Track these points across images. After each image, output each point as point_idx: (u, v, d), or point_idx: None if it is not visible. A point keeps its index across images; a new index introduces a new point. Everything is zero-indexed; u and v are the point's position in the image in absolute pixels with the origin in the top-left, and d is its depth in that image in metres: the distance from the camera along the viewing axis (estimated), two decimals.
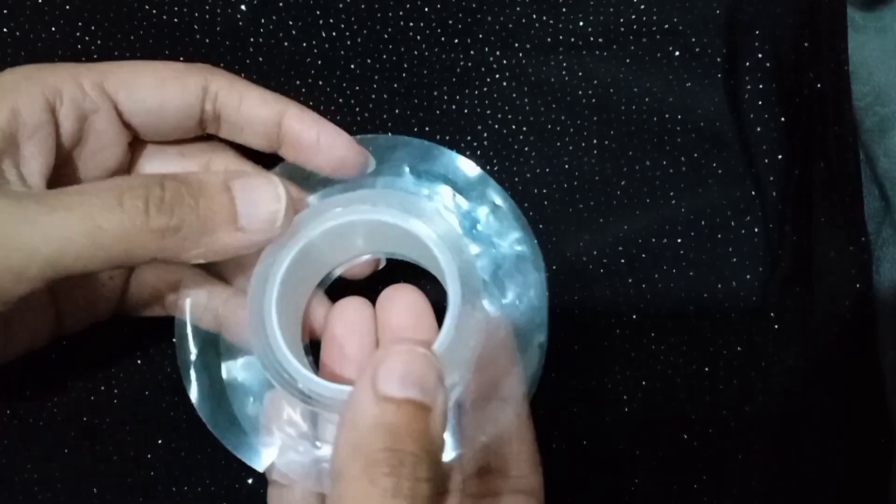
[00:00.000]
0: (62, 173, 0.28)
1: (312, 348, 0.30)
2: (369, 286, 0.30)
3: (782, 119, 0.33)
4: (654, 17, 0.34)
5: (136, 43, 0.34)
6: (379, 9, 0.35)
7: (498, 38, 0.35)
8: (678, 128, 0.33)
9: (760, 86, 0.33)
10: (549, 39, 0.35)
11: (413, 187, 0.31)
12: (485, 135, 0.35)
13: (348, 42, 0.35)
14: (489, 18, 0.35)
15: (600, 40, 0.34)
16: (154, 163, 0.30)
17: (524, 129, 0.34)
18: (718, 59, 0.33)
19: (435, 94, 0.35)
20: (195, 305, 0.29)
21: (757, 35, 0.34)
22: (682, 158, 0.33)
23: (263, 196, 0.26)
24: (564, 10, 0.34)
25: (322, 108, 0.35)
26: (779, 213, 0.33)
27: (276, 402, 0.27)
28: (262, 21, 0.34)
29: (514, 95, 0.35)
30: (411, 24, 0.35)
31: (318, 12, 0.35)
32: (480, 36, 0.35)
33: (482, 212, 0.30)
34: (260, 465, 0.27)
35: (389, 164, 0.31)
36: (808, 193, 0.34)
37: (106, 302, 0.30)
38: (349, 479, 0.22)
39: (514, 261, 0.30)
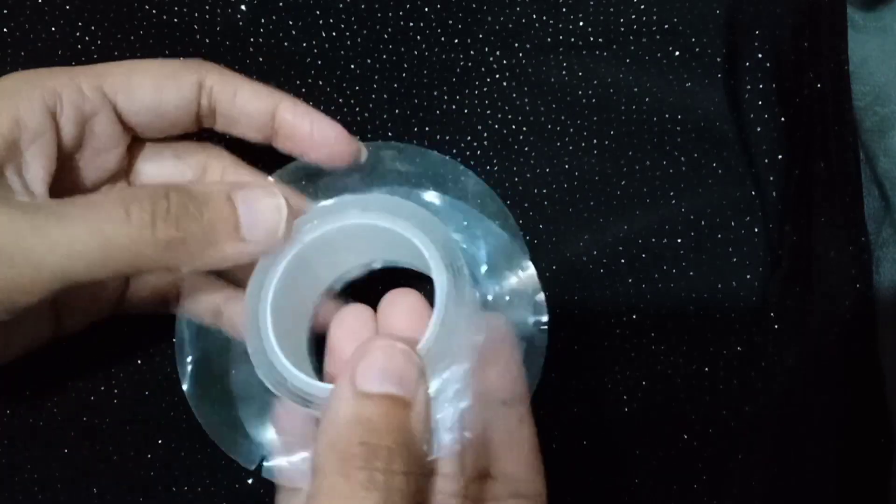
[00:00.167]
0: (63, 177, 0.28)
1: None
2: (375, 291, 0.30)
3: (782, 119, 0.33)
4: (654, 17, 0.34)
5: (136, 43, 0.34)
6: (379, 9, 0.35)
7: (498, 38, 0.35)
8: (678, 128, 0.33)
9: (760, 86, 0.33)
10: (549, 39, 0.35)
11: (405, 192, 0.31)
12: (485, 135, 0.35)
13: (348, 42, 0.35)
14: (489, 18, 0.35)
15: (600, 40, 0.34)
16: (150, 165, 0.31)
17: (524, 129, 0.34)
18: (718, 59, 0.33)
19: (435, 94, 0.35)
20: (196, 303, 0.30)
21: (757, 35, 0.34)
22: (682, 158, 0.33)
23: (265, 207, 0.26)
24: (564, 10, 0.34)
25: (322, 108, 0.35)
26: (779, 213, 0.33)
27: (283, 406, 0.27)
28: (262, 21, 0.34)
29: (514, 95, 0.35)
30: (411, 24, 0.35)
31: (318, 12, 0.35)
32: (480, 36, 0.35)
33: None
34: (251, 466, 0.28)
35: (380, 170, 0.31)
36: (808, 193, 0.34)
37: (107, 302, 0.31)
38: (325, 474, 0.22)
39: (504, 252, 0.30)
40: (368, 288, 0.31)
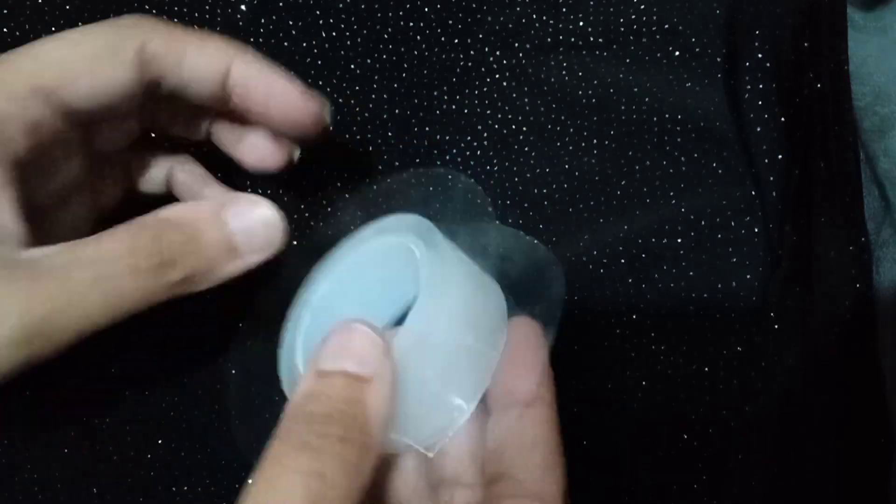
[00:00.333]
0: (30, 193, 0.26)
1: None
2: None
3: (782, 119, 0.33)
4: (654, 17, 0.34)
5: None
6: (379, 9, 0.35)
7: (498, 38, 0.35)
8: (678, 128, 0.33)
9: (760, 86, 0.33)
10: (549, 39, 0.35)
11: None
12: (485, 135, 0.35)
13: (348, 42, 0.35)
14: (489, 18, 0.35)
15: (600, 40, 0.34)
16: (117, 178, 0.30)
17: (524, 129, 0.34)
18: (718, 59, 0.33)
19: (435, 94, 0.35)
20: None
21: (757, 35, 0.34)
22: (682, 158, 0.33)
23: (257, 222, 0.26)
24: (564, 10, 0.34)
25: None
26: (779, 213, 0.33)
27: None
28: (262, 21, 0.34)
29: (514, 95, 0.35)
30: (411, 24, 0.35)
31: (318, 12, 0.35)
32: (480, 36, 0.35)
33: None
34: None
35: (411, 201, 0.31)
36: (808, 193, 0.34)
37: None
38: (271, 443, 0.22)
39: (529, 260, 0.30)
40: None
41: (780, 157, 0.33)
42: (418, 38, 0.35)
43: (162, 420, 0.33)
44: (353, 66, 0.35)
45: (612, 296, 0.33)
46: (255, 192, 0.34)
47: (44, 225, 0.28)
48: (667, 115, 0.33)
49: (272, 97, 0.28)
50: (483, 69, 0.35)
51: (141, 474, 0.33)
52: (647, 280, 0.33)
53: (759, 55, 0.33)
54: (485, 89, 0.35)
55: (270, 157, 0.31)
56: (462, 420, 0.25)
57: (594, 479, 0.33)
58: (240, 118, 0.30)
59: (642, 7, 0.34)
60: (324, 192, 0.35)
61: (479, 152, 0.35)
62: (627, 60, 0.34)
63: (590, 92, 0.34)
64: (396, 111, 0.35)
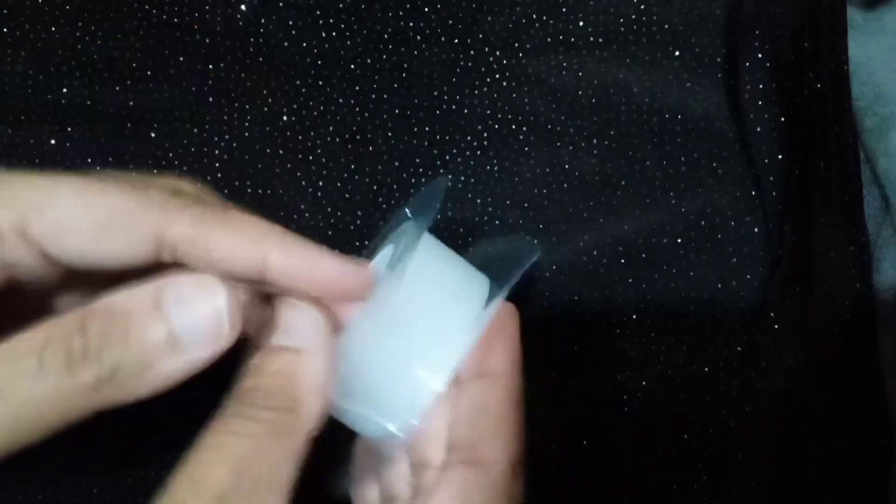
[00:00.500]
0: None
1: None
2: None
3: (782, 119, 0.33)
4: (654, 17, 0.34)
5: (136, 43, 0.34)
6: (379, 9, 0.35)
7: (498, 38, 0.35)
8: (678, 128, 0.33)
9: (760, 86, 0.33)
10: (549, 39, 0.35)
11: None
12: (485, 135, 0.35)
13: (348, 42, 0.35)
14: (489, 18, 0.35)
15: (600, 40, 0.34)
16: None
17: (524, 129, 0.34)
18: (718, 59, 0.33)
19: (435, 94, 0.35)
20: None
21: (757, 35, 0.34)
22: (682, 158, 0.33)
23: (201, 307, 0.22)
24: (564, 10, 0.34)
25: (322, 108, 0.35)
26: (779, 213, 0.33)
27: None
28: (262, 21, 0.34)
29: (514, 95, 0.35)
30: (411, 24, 0.35)
31: (318, 12, 0.35)
32: (480, 36, 0.35)
33: None
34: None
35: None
36: (808, 193, 0.34)
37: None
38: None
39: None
40: None
41: (780, 157, 0.33)
42: (418, 38, 0.35)
43: (162, 420, 0.33)
44: (353, 66, 0.35)
45: (612, 296, 0.33)
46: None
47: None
48: (667, 115, 0.33)
49: (321, 281, 0.25)
50: (483, 69, 0.35)
51: (141, 474, 0.33)
52: (647, 280, 0.33)
53: (759, 55, 0.33)
54: (485, 89, 0.35)
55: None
56: (431, 398, 0.25)
57: (594, 479, 0.33)
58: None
59: (642, 7, 0.34)
60: (323, 194, 0.35)
61: (479, 152, 0.35)
62: (627, 60, 0.34)
63: (590, 92, 0.34)
64: (396, 111, 0.35)
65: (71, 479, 0.33)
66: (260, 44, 0.34)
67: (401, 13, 0.35)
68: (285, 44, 0.34)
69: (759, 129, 0.33)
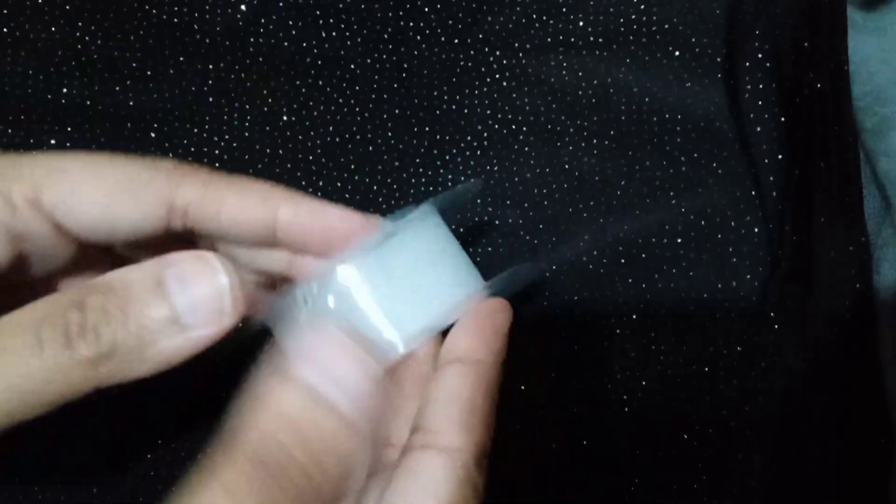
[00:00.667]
0: (9, 298, 0.24)
1: None
2: None
3: (782, 119, 0.33)
4: (654, 17, 0.34)
5: (136, 43, 0.34)
6: (379, 9, 0.35)
7: (498, 38, 0.35)
8: (678, 128, 0.33)
9: (760, 86, 0.33)
10: (549, 39, 0.35)
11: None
12: (485, 135, 0.35)
13: (348, 42, 0.35)
14: (489, 18, 0.35)
15: (600, 40, 0.34)
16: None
17: (524, 129, 0.34)
18: (718, 59, 0.33)
19: (435, 94, 0.35)
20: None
21: (757, 35, 0.34)
22: (682, 158, 0.33)
23: (203, 285, 0.22)
24: (564, 10, 0.34)
25: (322, 108, 0.35)
26: (779, 213, 0.33)
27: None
28: (262, 21, 0.34)
29: (514, 95, 0.35)
30: (411, 24, 0.35)
31: (318, 12, 0.35)
32: (480, 36, 0.35)
33: None
34: None
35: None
36: (808, 193, 0.34)
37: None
38: (235, 448, 0.20)
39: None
40: None
41: (780, 157, 0.33)
42: (418, 38, 0.35)
43: (162, 420, 0.33)
44: (353, 66, 0.35)
45: (612, 296, 0.33)
46: None
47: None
48: (667, 115, 0.33)
49: (332, 231, 0.25)
50: (483, 69, 0.35)
51: (141, 474, 0.33)
52: (647, 280, 0.33)
53: (759, 55, 0.33)
54: (485, 89, 0.35)
55: (288, 268, 0.27)
56: (390, 355, 0.25)
57: (594, 479, 0.33)
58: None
59: (642, 7, 0.34)
60: (324, 194, 0.35)
61: (479, 152, 0.35)
62: (627, 60, 0.34)
63: (590, 92, 0.34)
64: (396, 111, 0.35)
65: (71, 480, 0.33)
66: (260, 44, 0.34)
67: (401, 13, 0.35)
68: (285, 44, 0.34)
69: (759, 129, 0.33)
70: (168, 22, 0.34)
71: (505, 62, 0.35)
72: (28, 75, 0.34)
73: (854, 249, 0.35)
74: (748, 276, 0.33)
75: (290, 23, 0.34)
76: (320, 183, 0.35)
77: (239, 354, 0.33)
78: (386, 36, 0.35)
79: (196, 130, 0.34)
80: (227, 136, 0.34)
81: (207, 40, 0.34)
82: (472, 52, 0.35)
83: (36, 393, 0.20)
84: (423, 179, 0.35)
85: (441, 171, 0.35)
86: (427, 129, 0.35)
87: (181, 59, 0.34)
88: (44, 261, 0.24)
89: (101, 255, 0.26)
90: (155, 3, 0.34)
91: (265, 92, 0.35)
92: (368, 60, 0.35)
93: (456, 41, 0.35)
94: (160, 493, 0.33)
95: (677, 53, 0.34)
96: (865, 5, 0.36)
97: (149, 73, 0.34)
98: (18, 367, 0.20)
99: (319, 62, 0.35)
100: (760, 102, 0.33)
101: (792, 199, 0.33)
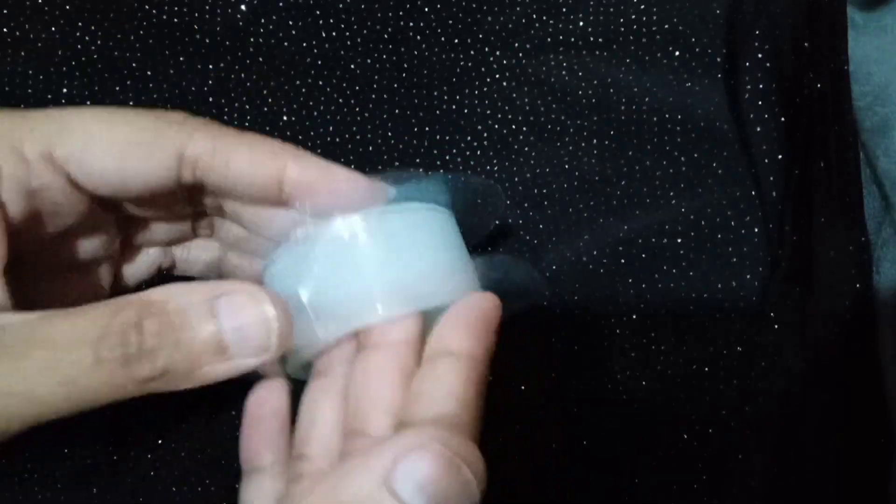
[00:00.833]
0: (24, 255, 0.25)
1: None
2: None
3: (782, 119, 0.33)
4: (654, 17, 0.34)
5: (136, 43, 0.34)
6: (379, 9, 0.35)
7: (498, 38, 0.35)
8: (678, 128, 0.33)
9: (760, 86, 0.33)
10: (549, 39, 0.35)
11: None
12: (485, 135, 0.35)
13: (348, 42, 0.35)
14: (489, 18, 0.35)
15: (600, 40, 0.34)
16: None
17: (524, 129, 0.34)
18: (718, 59, 0.33)
19: (435, 94, 0.35)
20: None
21: (757, 35, 0.34)
22: (682, 158, 0.33)
23: (253, 320, 0.23)
24: (564, 10, 0.34)
25: (322, 108, 0.35)
26: (779, 213, 0.33)
27: None
28: (262, 21, 0.34)
29: (514, 95, 0.35)
30: (411, 24, 0.35)
31: (318, 12, 0.35)
32: (480, 36, 0.35)
33: None
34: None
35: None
36: (808, 193, 0.34)
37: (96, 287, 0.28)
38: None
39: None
40: None
41: (780, 157, 0.33)
42: (418, 38, 0.35)
43: (162, 420, 0.33)
44: (353, 66, 0.35)
45: (612, 296, 0.33)
46: None
47: (59, 288, 0.26)
48: (667, 115, 0.33)
49: (338, 192, 0.25)
50: (483, 69, 0.35)
51: (140, 474, 0.33)
52: (647, 280, 0.33)
53: (759, 55, 0.33)
54: (485, 89, 0.35)
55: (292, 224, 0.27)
56: (368, 316, 0.25)
57: (594, 479, 0.33)
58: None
59: (642, 7, 0.34)
60: None
61: (479, 152, 0.35)
62: (627, 60, 0.34)
63: (590, 92, 0.34)
64: (396, 111, 0.35)
65: (71, 480, 0.33)
66: (260, 44, 0.34)
67: (401, 13, 0.35)
68: (285, 44, 0.34)
69: (759, 129, 0.33)
70: (168, 22, 0.34)
71: (505, 62, 0.35)
72: (28, 75, 0.34)
73: (854, 249, 0.35)
74: (748, 276, 0.33)
75: (290, 23, 0.34)
76: None
77: None
78: (386, 36, 0.35)
79: None
80: None
81: (207, 40, 0.34)
82: (472, 52, 0.35)
83: (88, 400, 0.21)
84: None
85: (441, 171, 0.35)
86: (427, 129, 0.35)
87: (181, 59, 0.34)
88: (57, 218, 0.25)
89: (108, 217, 0.27)
90: (155, 3, 0.34)
91: (265, 92, 0.35)
92: (368, 60, 0.35)
93: (456, 41, 0.35)
94: (160, 493, 0.33)
95: (677, 53, 0.34)
96: (865, 5, 0.36)
97: (149, 73, 0.34)
98: (78, 381, 0.21)
99: (319, 62, 0.35)
100: (760, 102, 0.33)
101: (792, 199, 0.33)
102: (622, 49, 0.34)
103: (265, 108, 0.35)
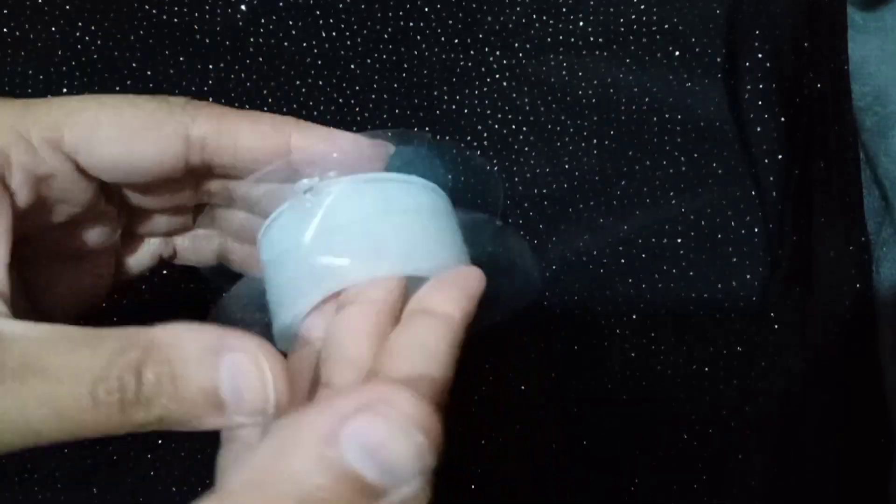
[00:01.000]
0: (32, 243, 0.25)
1: None
2: None
3: (782, 119, 0.33)
4: (654, 17, 0.34)
5: (136, 43, 0.34)
6: (379, 9, 0.35)
7: (498, 38, 0.35)
8: (678, 128, 0.33)
9: (760, 86, 0.33)
10: (549, 39, 0.35)
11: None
12: (485, 135, 0.35)
13: (348, 42, 0.35)
14: (489, 18, 0.35)
15: (600, 40, 0.34)
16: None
17: (524, 129, 0.34)
18: (718, 59, 0.33)
19: (435, 94, 0.35)
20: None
21: (757, 35, 0.34)
22: (682, 158, 0.33)
23: (252, 386, 0.22)
24: (564, 10, 0.34)
25: (322, 108, 0.35)
26: (779, 213, 0.33)
27: None
28: (262, 21, 0.34)
29: (514, 95, 0.35)
30: (411, 24, 0.35)
31: (318, 12, 0.35)
32: (480, 36, 0.35)
33: None
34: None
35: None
36: (808, 193, 0.34)
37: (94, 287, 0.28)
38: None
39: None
40: None
41: (780, 157, 0.33)
42: (418, 38, 0.35)
43: None
44: (353, 66, 0.35)
45: (612, 296, 0.33)
46: None
47: (61, 277, 0.27)
48: (667, 115, 0.33)
49: (345, 154, 0.26)
50: (483, 69, 0.35)
51: (141, 474, 0.33)
52: (647, 280, 0.33)
53: (759, 55, 0.33)
54: (485, 89, 0.35)
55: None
56: (352, 274, 0.24)
57: (594, 479, 0.33)
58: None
59: (642, 7, 0.34)
60: None
61: (479, 152, 0.35)
62: (627, 60, 0.34)
63: (590, 92, 0.34)
64: (396, 111, 0.35)
65: (71, 480, 0.33)
66: (260, 44, 0.34)
67: (401, 13, 0.35)
68: (285, 44, 0.34)
69: (759, 129, 0.33)
70: (168, 22, 0.34)
71: (505, 62, 0.35)
72: (28, 75, 0.34)
73: (854, 249, 0.35)
74: (748, 276, 0.33)
75: (290, 23, 0.34)
76: None
77: None
78: (386, 36, 0.35)
79: None
80: None
81: (207, 40, 0.34)
82: (472, 52, 0.35)
83: (82, 434, 0.22)
84: None
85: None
86: (427, 129, 0.35)
87: (181, 59, 0.34)
88: (62, 206, 0.25)
89: (111, 208, 0.27)
90: (155, 3, 0.34)
91: (265, 92, 0.35)
92: (368, 60, 0.35)
93: (456, 41, 0.35)
94: (160, 493, 0.33)
95: (677, 53, 0.34)
96: (865, 5, 0.36)
97: (149, 73, 0.34)
98: (72, 420, 0.21)
99: (319, 62, 0.35)
100: (760, 102, 0.33)
101: (792, 199, 0.33)
102: (622, 49, 0.34)
103: (265, 108, 0.35)
